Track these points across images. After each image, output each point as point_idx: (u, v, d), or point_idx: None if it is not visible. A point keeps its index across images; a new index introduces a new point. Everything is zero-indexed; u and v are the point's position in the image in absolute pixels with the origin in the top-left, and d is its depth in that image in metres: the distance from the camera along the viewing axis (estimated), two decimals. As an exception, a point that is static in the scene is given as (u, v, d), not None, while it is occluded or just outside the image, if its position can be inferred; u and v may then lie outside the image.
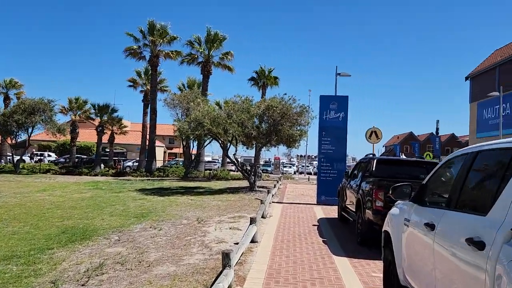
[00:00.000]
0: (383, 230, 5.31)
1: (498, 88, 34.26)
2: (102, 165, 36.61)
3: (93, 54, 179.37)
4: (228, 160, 74.25)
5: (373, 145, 16.91)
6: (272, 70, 42.66)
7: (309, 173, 59.47)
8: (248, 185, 20.53)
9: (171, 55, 33.71)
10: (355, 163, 16.62)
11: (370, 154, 11.52)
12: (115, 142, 56.03)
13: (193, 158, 33.57)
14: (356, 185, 9.91)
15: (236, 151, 20.74)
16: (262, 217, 12.02)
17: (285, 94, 18.96)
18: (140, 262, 7.10)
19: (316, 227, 11.02)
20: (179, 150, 58.54)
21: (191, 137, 18.35)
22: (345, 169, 16.64)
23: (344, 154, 16.64)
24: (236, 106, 18.75)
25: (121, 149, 55.16)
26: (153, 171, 32.06)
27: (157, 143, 59.68)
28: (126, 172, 31.97)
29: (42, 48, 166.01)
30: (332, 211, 14.43)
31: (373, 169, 9.16)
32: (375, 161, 9.34)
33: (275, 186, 19.33)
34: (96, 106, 34.86)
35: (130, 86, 45.33)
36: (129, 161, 47.95)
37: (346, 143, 16.57)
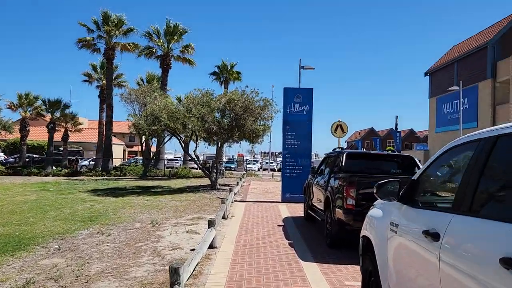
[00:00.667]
0: (361, 235, 4.51)
1: (456, 83, 34.89)
2: (54, 166, 34.42)
3: (47, 48, 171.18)
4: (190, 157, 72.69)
5: (339, 140, 16.33)
6: (234, 65, 41.71)
7: (273, 170, 59.00)
8: (210, 183, 19.49)
9: (128, 47, 32.01)
10: (319, 160, 15.99)
11: (338, 148, 10.83)
12: (70, 140, 53.32)
13: (152, 156, 32.04)
14: (324, 182, 9.17)
15: (196, 147, 19.71)
16: (223, 218, 11.09)
17: (247, 86, 18.13)
18: (77, 277, 6.02)
19: (281, 227, 10.20)
20: (140, 148, 56.49)
21: (147, 133, 17.08)
22: (310, 165, 15.98)
23: (309, 149, 15.96)
24: (196, 99, 17.68)
25: (77, 148, 52.63)
26: (109, 170, 30.36)
27: (116, 141, 57.49)
28: (80, 172, 30.09)
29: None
30: (298, 209, 13.70)
31: (343, 164, 8.43)
32: (344, 155, 8.61)
33: (237, 183, 18.43)
34: (47, 101, 32.55)
35: (85, 81, 43.04)
36: (85, 160, 45.69)
37: (311, 137, 15.90)
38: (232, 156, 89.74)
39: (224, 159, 79.02)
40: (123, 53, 33.12)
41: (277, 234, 9.24)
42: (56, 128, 43.30)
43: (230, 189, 14.83)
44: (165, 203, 14.32)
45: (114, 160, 46.67)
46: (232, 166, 53.40)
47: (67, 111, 34.36)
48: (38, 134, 50.33)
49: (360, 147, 63.85)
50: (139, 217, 11.51)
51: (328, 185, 8.50)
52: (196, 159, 19.79)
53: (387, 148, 41.75)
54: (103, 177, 28.08)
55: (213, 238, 7.65)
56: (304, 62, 18.71)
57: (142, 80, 39.90)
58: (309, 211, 10.89)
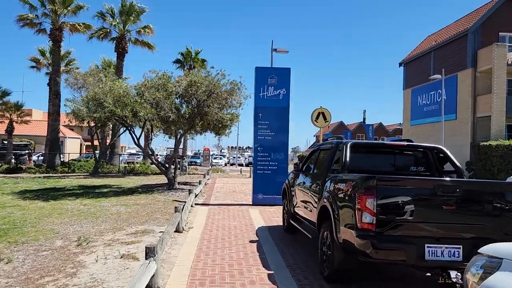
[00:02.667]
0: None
1: (433, 73, 33.16)
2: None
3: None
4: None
5: (321, 130, 13.78)
6: (199, 52, 38.60)
7: (241, 165, 56.48)
8: (167, 181, 16.54)
9: (78, 27, 28.27)
10: (297, 155, 13.38)
11: (330, 136, 8.22)
12: (21, 133, 48.70)
13: (104, 150, 28.48)
14: (315, 184, 6.55)
15: (151, 139, 16.60)
16: (177, 231, 8.30)
17: (212, 67, 15.26)
18: None
19: (255, 245, 7.52)
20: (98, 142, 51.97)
21: (87, 121, 13.92)
22: (287, 160, 13.37)
23: (286, 141, 13.34)
24: (149, 82, 14.69)
25: (28, 141, 48.13)
26: (55, 167, 26.72)
27: (71, 134, 53.13)
28: (21, 168, 26.31)
29: None
30: (273, 215, 11.06)
31: (347, 159, 5.82)
32: (348, 146, 5.99)
33: (200, 182, 15.58)
34: (-18, 88, 28.33)
35: (32, 67, 38.86)
36: (35, 155, 41.51)
37: (289, 127, 13.29)
38: (198, 150, 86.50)
39: (190, 153, 75.65)
40: (72, 34, 29.37)
41: (251, 259, 6.53)
42: (0, 120, 39.07)
43: (189, 190, 11.99)
44: (106, 208, 11.33)
45: (68, 155, 42.72)
46: (198, 161, 50.38)
47: (7, 99, 30.27)
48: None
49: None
50: (64, 231, 8.55)
51: (325, 189, 5.87)
52: (150, 153, 16.73)
53: (361, 142, 39.92)
54: (47, 174, 24.49)
55: (153, 276, 4.88)
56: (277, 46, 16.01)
57: (97, 66, 36.08)
58: (291, 221, 8.27)
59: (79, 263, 6.28)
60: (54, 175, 24.13)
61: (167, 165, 16.56)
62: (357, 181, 4.80)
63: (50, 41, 28.48)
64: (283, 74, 13.29)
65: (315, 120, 13.62)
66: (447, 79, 29.99)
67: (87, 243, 7.48)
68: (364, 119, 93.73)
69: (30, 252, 6.93)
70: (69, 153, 45.18)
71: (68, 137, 53.08)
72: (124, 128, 26.02)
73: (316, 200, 6.32)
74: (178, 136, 16.31)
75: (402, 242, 4.54)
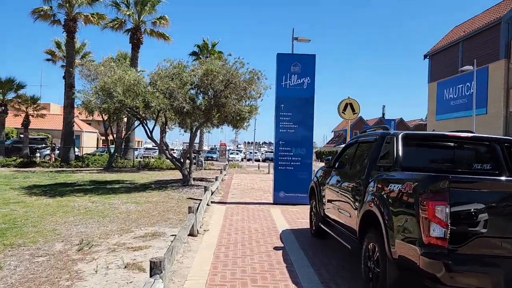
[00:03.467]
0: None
1: (461, 65, 31.54)
2: (13, 154, 30.02)
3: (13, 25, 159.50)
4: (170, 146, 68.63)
5: (348, 122, 12.62)
6: (216, 44, 37.62)
7: (257, 160, 55.46)
8: (182, 177, 15.59)
9: (92, 18, 27.53)
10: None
11: (370, 128, 7.07)
12: (39, 127, 48.62)
13: (119, 144, 27.74)
14: (354, 184, 5.46)
15: (165, 132, 15.66)
16: (191, 235, 7.32)
17: (230, 55, 14.21)
18: None
19: (280, 253, 6.47)
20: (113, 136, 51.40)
21: (100, 113, 13.05)
22: (311, 156, 12.26)
23: (311, 135, 12.23)
24: (163, 71, 13.73)
25: (45, 135, 48.11)
26: (69, 161, 26.13)
27: (88, 128, 52.88)
28: (34, 162, 25.80)
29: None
30: (298, 216, 10.00)
31: (399, 153, 4.71)
32: (399, 138, 4.88)
33: (216, 178, 14.59)
34: (-4, 80, 27.82)
35: (48, 60, 38.45)
36: (49, 149, 41.24)
37: (313, 119, 12.16)
38: (215, 145, 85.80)
39: (206, 148, 74.94)
40: (86, 26, 28.66)
41: (277, 272, 5.49)
42: (17, 114, 38.86)
43: (205, 187, 11.00)
44: (115, 206, 10.42)
45: (82, 149, 42.34)
46: (214, 156, 49.57)
47: (22, 92, 29.80)
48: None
49: (350, 136, 60.47)
50: (67, 232, 7.67)
51: (369, 191, 4.79)
52: (163, 147, 15.79)
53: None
54: (61, 169, 23.90)
55: (159, 298, 3.88)
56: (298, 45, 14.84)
57: (112, 59, 35.40)
58: (321, 225, 7.19)
59: (76, 274, 5.34)
60: (67, 169, 23.50)
61: (182, 160, 15.59)
62: (422, 182, 3.70)
63: (65, 32, 27.79)
64: (307, 61, 12.16)
65: (342, 112, 12.45)
66: (477, 72, 28.34)
67: (89, 248, 6.55)
68: (383, 114, 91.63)
69: (25, 258, 6.04)
70: (83, 147, 44.92)
71: (85, 131, 52.85)
72: (139, 122, 25.32)
73: (356, 203, 5.24)
74: (194, 129, 15.33)
75: (485, 264, 3.43)
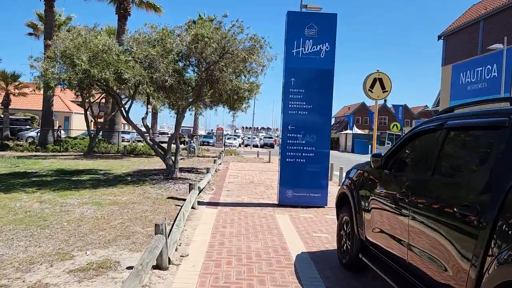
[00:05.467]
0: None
1: (482, 45, 28.82)
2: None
3: None
4: (162, 129, 64.72)
5: (376, 102, 9.86)
6: (213, 19, 34.40)
7: (256, 146, 52.84)
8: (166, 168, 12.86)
9: (73, -15, 24.46)
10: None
11: (466, 104, 4.29)
12: (25, 108, 45.88)
13: (100, 127, 24.81)
14: (456, 207, 2.77)
15: (146, 113, 12.81)
16: (158, 267, 4.70)
17: (226, 16, 11.36)
18: None
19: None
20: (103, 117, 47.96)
21: (53, 85, 10.26)
22: (328, 144, 9.56)
23: (329, 117, 9.53)
24: (142, 36, 10.94)
25: (31, 116, 45.43)
26: (46, 144, 23.38)
27: (78, 109, 49.89)
28: (7, 145, 23.00)
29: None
30: (313, 226, 7.34)
31: None
32: None
33: (208, 170, 11.88)
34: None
35: (30, 34, 35.40)
36: (34, 131, 38.43)
37: (332, 97, 9.44)
38: (212, 130, 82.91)
39: (203, 132, 72.12)
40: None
41: None
42: (-5, 92, 36.15)
43: (190, 184, 8.29)
44: (68, 209, 7.74)
45: (74, 132, 39.58)
46: (211, 141, 47.01)
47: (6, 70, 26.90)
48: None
49: (352, 123, 57.88)
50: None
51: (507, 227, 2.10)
52: (146, 130, 12.92)
53: (392, 124, 35.88)
54: (35, 153, 21.15)
55: None
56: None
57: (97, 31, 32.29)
58: (362, 257, 4.56)
59: None
60: (41, 154, 20.75)
61: (167, 147, 12.81)
62: None
63: (42, 0, 24.75)
64: (326, 23, 9.37)
65: (369, 90, 9.70)
66: (498, 53, 25.56)
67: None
68: (385, 100, 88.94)
69: None
70: (71, 130, 42.23)
71: (75, 113, 50.02)
72: (129, 101, 22.46)
73: (465, 248, 2.59)
74: (181, 110, 12.56)
75: None
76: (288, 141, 9.40)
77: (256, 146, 52.75)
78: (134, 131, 49.69)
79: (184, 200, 8.04)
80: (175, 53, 11.03)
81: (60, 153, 21.76)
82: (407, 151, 4.21)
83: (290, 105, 9.36)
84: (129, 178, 12.09)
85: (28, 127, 38.80)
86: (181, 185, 11.06)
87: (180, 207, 7.54)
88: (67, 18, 33.44)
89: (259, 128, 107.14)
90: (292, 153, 9.41)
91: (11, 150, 22.26)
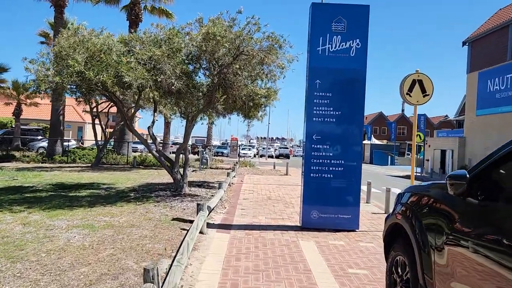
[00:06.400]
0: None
1: (511, 51, 27.17)
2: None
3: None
4: (177, 139, 63.64)
5: (415, 108, 8.46)
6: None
7: (271, 156, 51.50)
8: (174, 181, 11.58)
9: (83, -10, 23.78)
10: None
11: None
12: (39, 118, 45.50)
13: (108, 138, 23.77)
14: None
15: (153, 122, 11.60)
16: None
17: (240, 12, 10.11)
18: None
19: None
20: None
21: (43, 89, 9.10)
22: (360, 157, 8.18)
23: (360, 126, 8.17)
24: (146, 36, 9.80)
25: (44, 126, 45.00)
26: (55, 155, 22.46)
27: (91, 119, 49.44)
28: (13, 156, 22.13)
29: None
30: (348, 259, 5.95)
31: None
32: None
33: (220, 185, 10.56)
34: (-27, 62, 24.11)
35: (42, 42, 34.90)
36: (45, 141, 37.84)
37: (364, 102, 8.09)
38: (226, 140, 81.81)
39: (217, 143, 70.98)
40: (78, 1, 24.99)
41: None
42: (8, 102, 35.78)
43: (198, 204, 6.98)
44: (52, 235, 6.50)
45: (86, 143, 38.93)
46: (225, 151, 45.85)
47: (12, 77, 26.27)
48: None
49: (369, 133, 56.13)
50: None
51: None
52: (152, 140, 11.67)
53: (417, 134, 34.15)
54: (41, 164, 20.19)
55: None
56: None
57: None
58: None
59: None
60: (47, 165, 19.76)
61: (173, 159, 11.54)
62: None
63: (52, 7, 24.07)
64: (357, 16, 8.07)
65: (406, 94, 8.32)
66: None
67: None
68: (402, 110, 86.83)
69: None
70: (84, 140, 41.64)
71: (88, 123, 49.49)
72: (138, 109, 21.36)
73: None
74: (190, 118, 11.33)
75: None
76: (312, 153, 8.06)
77: (271, 156, 51.47)
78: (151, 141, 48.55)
79: (191, 222, 6.76)
80: (184, 54, 9.82)
81: (67, 165, 20.76)
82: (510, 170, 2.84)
83: (315, 111, 8.04)
84: (132, 194, 10.85)
85: (40, 137, 38.18)
86: (189, 203, 9.77)
87: (185, 231, 6.27)
88: (79, 26, 32.92)
89: (274, 138, 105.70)
90: (317, 167, 8.06)
91: (17, 161, 21.35)
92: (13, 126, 35.70)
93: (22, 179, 13.41)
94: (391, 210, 9.95)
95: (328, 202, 7.99)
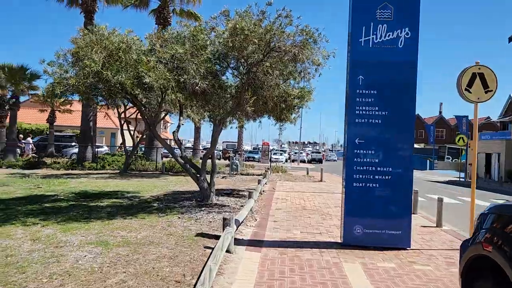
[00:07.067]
0: None
1: None
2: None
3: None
4: (208, 145, 63.94)
5: (476, 106, 7.27)
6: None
7: (303, 161, 50.33)
8: (201, 190, 10.76)
9: (113, -5, 23.60)
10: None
11: None
12: (73, 125, 46.11)
13: (136, 144, 23.32)
14: None
15: (179, 126, 10.84)
16: None
17: (270, 4, 9.14)
18: None
19: None
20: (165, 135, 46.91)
21: (58, 92, 8.50)
22: (411, 164, 7.08)
23: (411, 131, 7.08)
24: (169, 33, 9.06)
25: (79, 132, 45.66)
26: (84, 161, 22.26)
27: (124, 126, 49.77)
28: (44, 162, 22.05)
29: None
30: (402, 285, 4.89)
31: None
32: None
33: (250, 195, 9.63)
34: (6, 68, 24.24)
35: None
36: (78, 147, 38.27)
37: (415, 101, 7.00)
38: (257, 145, 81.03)
39: (248, 147, 70.24)
40: (107, 6, 24.85)
41: None
42: (43, 109, 36.25)
43: (224, 219, 6.08)
44: (61, 254, 5.76)
45: (109, 148, 39.02)
46: (256, 156, 45.04)
47: (36, 83, 26.34)
48: (33, 117, 44.03)
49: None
50: None
51: None
52: (177, 145, 10.87)
53: (458, 137, 32.21)
54: (70, 171, 19.95)
55: None
56: None
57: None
58: None
59: None
60: (76, 172, 19.48)
61: (199, 166, 10.72)
62: None
63: (82, 13, 23.99)
64: (405, 1, 7.01)
65: (465, 89, 7.15)
66: None
67: None
68: (440, 112, 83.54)
69: None
70: (116, 147, 41.78)
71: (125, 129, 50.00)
72: (166, 113, 20.87)
73: None
74: (217, 121, 10.52)
75: None
76: (355, 159, 7.02)
77: (303, 161, 50.34)
78: (176, 146, 48.52)
79: (217, 238, 5.87)
80: (210, 53, 9.00)
81: (95, 171, 20.43)
82: None
83: (357, 112, 7.01)
84: (155, 204, 10.09)
85: (73, 144, 38.55)
86: (216, 214, 8.90)
87: (210, 251, 5.39)
88: (101, 27, 33.03)
89: (305, 142, 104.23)
90: (360, 175, 7.01)
91: (47, 167, 21.23)
92: (47, 133, 36.18)
93: (46, 187, 12.98)
94: (443, 223, 8.50)
95: (374, 215, 6.92)
